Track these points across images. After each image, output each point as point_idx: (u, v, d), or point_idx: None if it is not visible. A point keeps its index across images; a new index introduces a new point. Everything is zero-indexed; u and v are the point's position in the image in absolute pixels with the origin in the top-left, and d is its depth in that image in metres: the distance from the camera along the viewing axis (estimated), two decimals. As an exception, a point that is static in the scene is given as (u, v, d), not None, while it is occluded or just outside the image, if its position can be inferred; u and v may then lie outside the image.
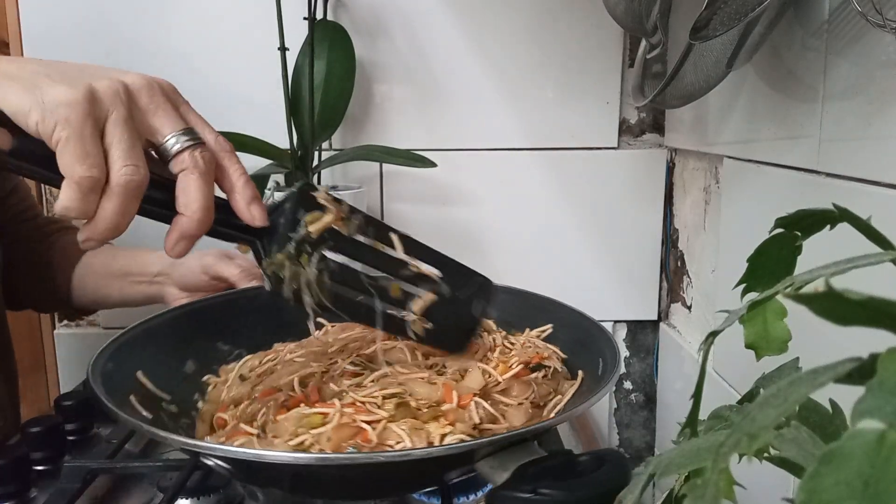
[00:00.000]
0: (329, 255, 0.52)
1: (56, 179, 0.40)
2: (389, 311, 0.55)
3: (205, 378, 0.65)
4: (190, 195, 0.43)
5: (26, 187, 0.90)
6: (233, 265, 0.79)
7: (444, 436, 0.50)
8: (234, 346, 0.70)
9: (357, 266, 0.54)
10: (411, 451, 0.47)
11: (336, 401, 0.53)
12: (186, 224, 0.44)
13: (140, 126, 0.43)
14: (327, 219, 0.51)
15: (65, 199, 0.40)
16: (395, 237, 0.56)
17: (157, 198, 0.44)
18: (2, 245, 0.80)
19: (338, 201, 0.53)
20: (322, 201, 0.52)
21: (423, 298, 0.56)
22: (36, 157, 0.41)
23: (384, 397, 0.53)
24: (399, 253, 0.56)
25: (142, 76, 0.44)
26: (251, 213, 0.47)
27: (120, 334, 0.62)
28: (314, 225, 0.51)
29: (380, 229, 0.55)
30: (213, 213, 0.45)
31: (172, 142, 0.44)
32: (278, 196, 0.51)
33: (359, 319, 0.55)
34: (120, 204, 0.41)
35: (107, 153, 0.41)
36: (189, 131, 0.45)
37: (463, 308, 0.60)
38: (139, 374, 0.60)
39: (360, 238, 0.54)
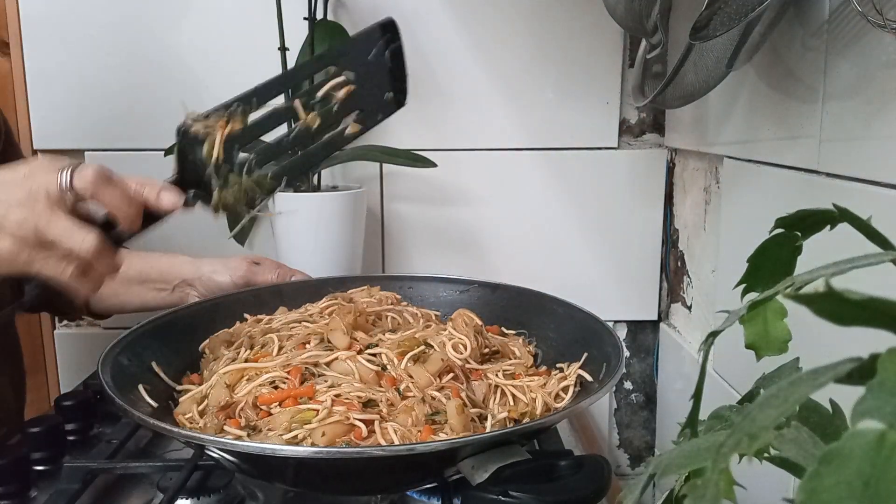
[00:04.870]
0: (243, 154, 0.55)
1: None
2: (326, 140, 0.59)
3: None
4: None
5: None
6: (267, 271, 0.81)
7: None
8: None
9: (272, 138, 0.57)
10: (391, 448, 0.48)
11: (325, 397, 0.54)
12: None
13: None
14: (217, 138, 0.54)
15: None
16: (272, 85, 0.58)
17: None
18: None
19: (216, 111, 0.55)
20: (202, 130, 0.54)
21: (338, 96, 0.59)
22: None
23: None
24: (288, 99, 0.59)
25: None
26: (161, 201, 0.53)
27: (138, 326, 0.63)
28: (213, 151, 0.54)
29: (260, 94, 0.57)
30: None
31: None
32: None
33: (309, 168, 0.60)
34: None
35: None
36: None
37: (377, 68, 0.60)
38: (153, 365, 0.62)
39: (255, 116, 0.56)
